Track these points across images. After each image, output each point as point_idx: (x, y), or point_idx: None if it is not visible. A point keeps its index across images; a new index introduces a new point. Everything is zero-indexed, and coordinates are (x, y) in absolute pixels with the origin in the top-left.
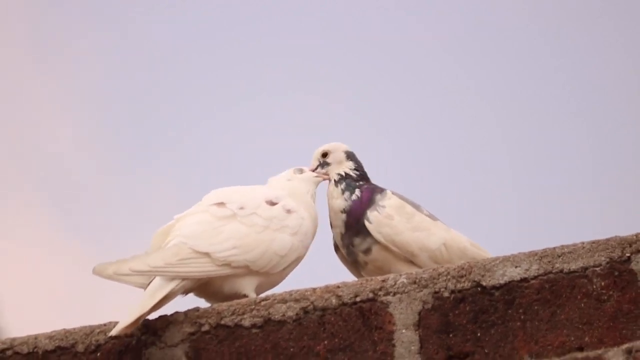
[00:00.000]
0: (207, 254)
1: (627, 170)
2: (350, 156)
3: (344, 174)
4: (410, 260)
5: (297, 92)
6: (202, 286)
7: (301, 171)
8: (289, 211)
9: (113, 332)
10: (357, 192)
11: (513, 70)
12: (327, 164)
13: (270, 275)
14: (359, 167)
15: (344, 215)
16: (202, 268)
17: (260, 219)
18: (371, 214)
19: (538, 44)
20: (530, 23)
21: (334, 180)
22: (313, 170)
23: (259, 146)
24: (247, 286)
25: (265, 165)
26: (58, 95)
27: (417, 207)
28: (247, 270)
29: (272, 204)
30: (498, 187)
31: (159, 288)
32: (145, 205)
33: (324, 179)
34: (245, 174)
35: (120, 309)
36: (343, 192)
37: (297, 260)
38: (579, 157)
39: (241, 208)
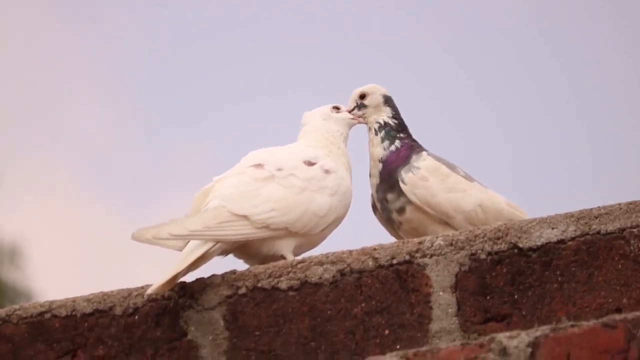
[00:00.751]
0: (245, 217)
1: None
2: (387, 101)
3: (382, 122)
4: (446, 222)
5: (298, 92)
6: (240, 247)
7: (338, 109)
8: (327, 171)
9: (149, 291)
10: (397, 143)
11: (513, 70)
12: (365, 106)
13: (309, 237)
14: (396, 114)
15: (380, 165)
16: (241, 231)
17: (298, 179)
18: (406, 175)
19: (538, 43)
20: (530, 23)
21: (374, 129)
22: (349, 111)
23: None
24: (286, 248)
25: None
26: (87, 60)
27: (453, 167)
28: (286, 232)
29: (310, 164)
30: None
31: (195, 248)
32: (175, 169)
33: (359, 122)
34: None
35: (156, 270)
36: (382, 140)
37: (337, 221)
38: (613, 121)
39: (279, 169)
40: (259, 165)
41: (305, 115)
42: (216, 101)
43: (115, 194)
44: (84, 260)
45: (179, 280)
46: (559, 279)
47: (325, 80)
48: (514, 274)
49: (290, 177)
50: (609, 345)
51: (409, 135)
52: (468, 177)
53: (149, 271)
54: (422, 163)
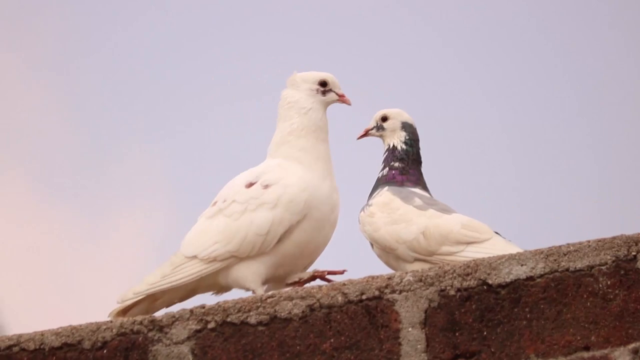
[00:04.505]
0: (195, 257)
1: (633, 168)
2: (405, 127)
3: (391, 145)
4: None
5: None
6: (212, 286)
7: (325, 86)
8: (267, 186)
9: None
10: (386, 170)
11: (513, 69)
12: (383, 129)
13: (275, 257)
14: (409, 140)
15: None
16: (193, 270)
17: (238, 205)
18: (360, 213)
19: (539, 42)
20: (529, 21)
21: (383, 151)
22: (368, 130)
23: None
24: (249, 277)
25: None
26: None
27: (409, 199)
28: (238, 259)
29: (250, 185)
30: (502, 185)
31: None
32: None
33: (341, 102)
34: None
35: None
36: (382, 163)
37: (301, 230)
38: (582, 155)
39: (224, 201)
40: (214, 203)
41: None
42: (174, 110)
43: (69, 209)
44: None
45: (151, 314)
46: (528, 315)
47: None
48: (483, 311)
49: (231, 205)
50: None
51: (407, 164)
52: (424, 205)
53: (111, 291)
54: (376, 199)
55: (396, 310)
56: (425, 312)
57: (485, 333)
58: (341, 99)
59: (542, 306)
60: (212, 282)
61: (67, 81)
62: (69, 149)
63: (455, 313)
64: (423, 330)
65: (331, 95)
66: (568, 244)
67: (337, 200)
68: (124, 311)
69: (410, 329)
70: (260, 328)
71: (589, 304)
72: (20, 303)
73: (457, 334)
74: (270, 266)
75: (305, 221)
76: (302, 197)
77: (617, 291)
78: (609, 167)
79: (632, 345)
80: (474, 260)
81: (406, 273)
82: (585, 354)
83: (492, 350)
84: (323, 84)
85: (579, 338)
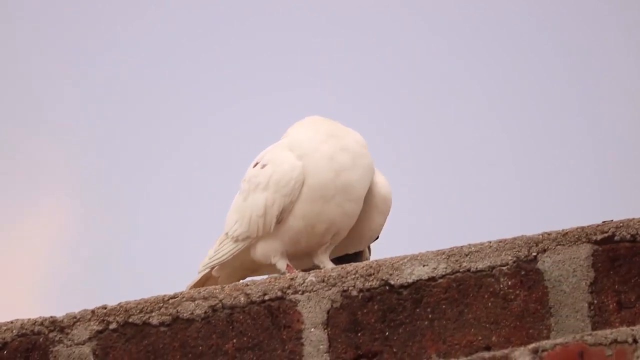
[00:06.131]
0: (226, 235)
1: (537, 167)
2: None
3: None
4: None
5: (301, 90)
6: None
7: None
8: (264, 165)
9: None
10: None
11: (513, 69)
12: None
13: (284, 235)
14: None
15: None
16: (228, 248)
17: (246, 184)
18: None
19: (539, 41)
20: (530, 19)
21: None
22: None
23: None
24: (269, 253)
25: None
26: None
27: None
28: (257, 239)
29: (256, 164)
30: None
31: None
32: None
33: None
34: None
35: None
36: None
37: (301, 207)
38: (497, 154)
39: (243, 179)
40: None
41: None
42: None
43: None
44: None
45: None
46: (430, 316)
47: (329, 79)
48: (385, 311)
49: (243, 184)
50: None
51: None
52: None
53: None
54: None
55: (299, 310)
56: (328, 312)
57: (387, 333)
58: None
59: (443, 306)
60: (250, 258)
61: None
62: None
63: (358, 313)
64: (325, 330)
65: None
66: (469, 245)
67: (344, 162)
68: (202, 282)
69: (312, 330)
70: (162, 329)
71: (490, 304)
72: None
73: (359, 334)
74: (287, 242)
75: (304, 194)
76: (291, 175)
77: (517, 291)
78: (520, 167)
79: (532, 345)
80: (376, 260)
81: (309, 273)
82: (487, 354)
83: (394, 350)
84: None
85: (480, 338)
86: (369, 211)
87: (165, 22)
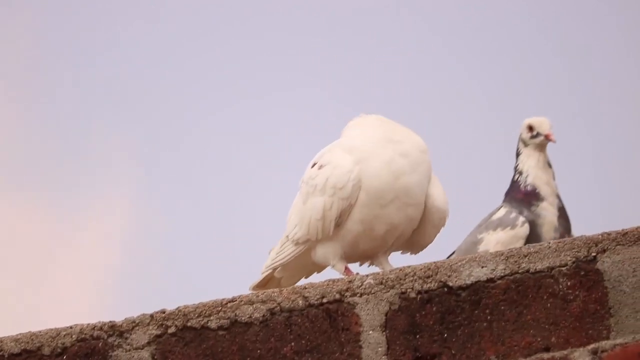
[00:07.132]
0: (287, 237)
1: (594, 168)
2: None
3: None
4: None
5: (301, 90)
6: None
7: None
8: (321, 167)
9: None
10: None
11: (513, 69)
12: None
13: (344, 238)
14: None
15: (557, 200)
16: (289, 250)
17: (304, 186)
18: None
19: (539, 41)
20: (530, 19)
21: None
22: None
23: (266, 145)
24: (329, 255)
25: (270, 165)
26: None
27: None
28: (316, 242)
29: (314, 165)
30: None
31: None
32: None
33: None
34: (249, 173)
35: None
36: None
37: (359, 211)
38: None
39: (302, 180)
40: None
41: None
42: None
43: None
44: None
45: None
46: (488, 317)
47: (330, 78)
48: (443, 313)
49: (302, 186)
50: None
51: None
52: None
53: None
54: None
55: (357, 313)
56: (386, 315)
57: (445, 335)
58: None
59: (502, 308)
60: (312, 260)
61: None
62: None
63: (416, 315)
64: (384, 333)
65: None
66: (528, 245)
67: (403, 167)
68: (265, 282)
69: (370, 332)
70: (220, 332)
71: (549, 305)
72: None
73: (417, 336)
74: (346, 245)
75: (362, 198)
76: (348, 178)
77: (577, 292)
78: (573, 166)
79: (591, 346)
80: (434, 262)
81: (367, 276)
82: (546, 355)
83: (453, 352)
84: None
85: (539, 339)
86: (423, 222)
87: (165, 22)
